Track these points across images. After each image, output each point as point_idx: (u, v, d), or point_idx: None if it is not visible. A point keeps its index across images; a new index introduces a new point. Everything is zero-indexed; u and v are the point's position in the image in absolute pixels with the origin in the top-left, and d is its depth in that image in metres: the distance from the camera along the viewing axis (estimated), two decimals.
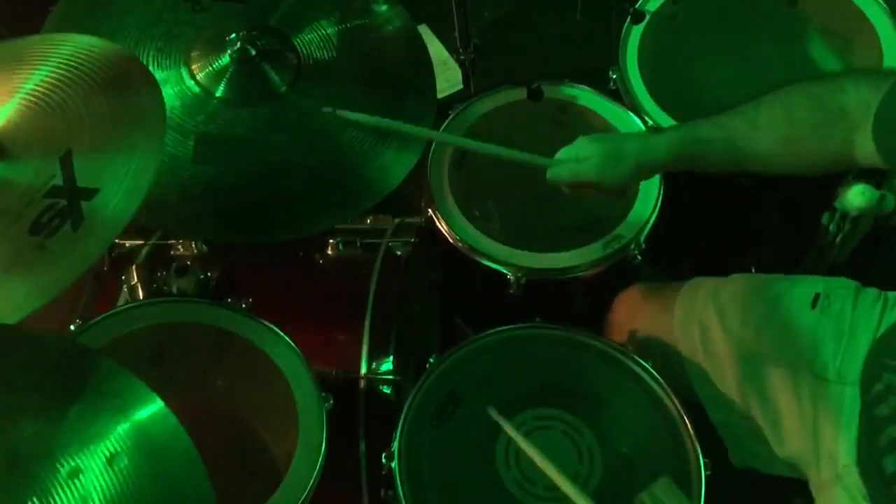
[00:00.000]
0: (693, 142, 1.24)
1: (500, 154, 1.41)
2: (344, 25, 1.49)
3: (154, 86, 1.18)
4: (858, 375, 1.16)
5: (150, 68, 1.36)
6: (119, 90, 1.15)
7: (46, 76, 1.15)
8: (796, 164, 1.18)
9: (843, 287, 1.25)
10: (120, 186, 1.08)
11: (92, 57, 1.17)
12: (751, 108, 1.20)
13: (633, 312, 1.43)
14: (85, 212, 1.06)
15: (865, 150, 1.09)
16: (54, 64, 1.16)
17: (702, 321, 1.32)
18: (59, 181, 1.08)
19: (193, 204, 1.32)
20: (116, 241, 1.48)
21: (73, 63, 1.17)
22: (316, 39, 1.48)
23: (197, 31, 1.43)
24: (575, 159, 1.32)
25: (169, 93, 1.36)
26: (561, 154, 1.35)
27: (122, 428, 1.00)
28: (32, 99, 1.14)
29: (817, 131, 1.14)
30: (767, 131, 1.18)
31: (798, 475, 1.25)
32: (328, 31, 1.48)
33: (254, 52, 1.39)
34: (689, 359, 1.33)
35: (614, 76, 1.61)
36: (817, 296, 1.25)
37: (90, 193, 1.07)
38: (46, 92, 1.14)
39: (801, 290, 1.27)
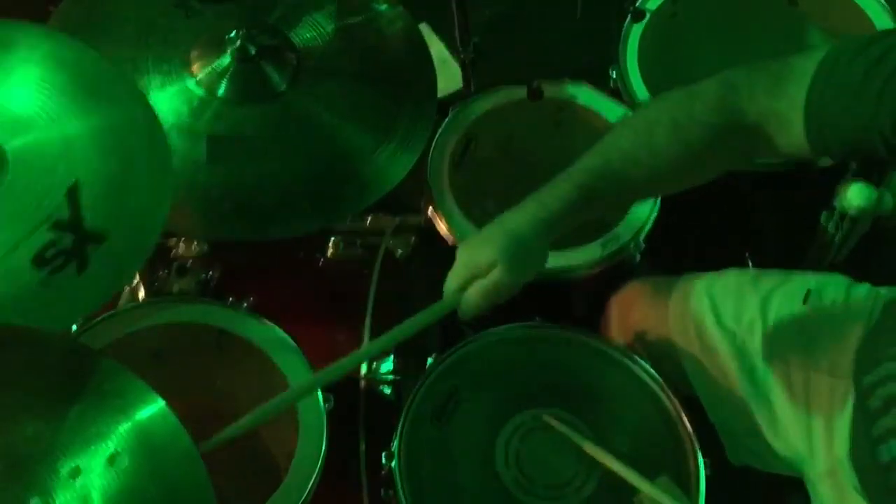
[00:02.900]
0: (588, 189, 1.12)
1: None
2: (343, 22, 1.49)
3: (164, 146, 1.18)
4: (850, 368, 1.16)
5: (152, 76, 1.38)
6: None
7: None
8: (691, 181, 1.14)
9: (834, 283, 1.26)
10: (129, 234, 1.08)
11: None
12: (643, 133, 1.10)
13: (628, 309, 1.43)
14: (91, 257, 1.05)
15: (782, 147, 1.04)
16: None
17: (697, 317, 1.31)
18: (64, 214, 1.06)
19: (194, 205, 1.32)
20: None
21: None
22: (315, 38, 1.48)
23: (193, 35, 1.44)
24: (471, 276, 1.13)
25: (174, 97, 1.37)
26: (451, 283, 1.15)
27: (123, 428, 1.00)
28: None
29: (715, 148, 1.08)
30: (664, 157, 1.09)
31: (794, 472, 1.25)
32: (327, 30, 1.49)
33: (253, 51, 1.40)
34: (685, 354, 1.32)
35: (614, 75, 1.61)
36: (808, 291, 1.25)
37: (99, 238, 1.05)
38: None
39: (792, 285, 1.28)
